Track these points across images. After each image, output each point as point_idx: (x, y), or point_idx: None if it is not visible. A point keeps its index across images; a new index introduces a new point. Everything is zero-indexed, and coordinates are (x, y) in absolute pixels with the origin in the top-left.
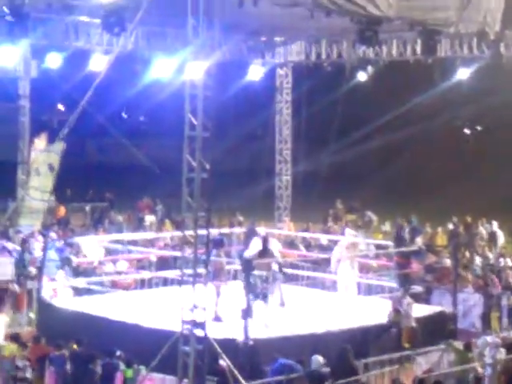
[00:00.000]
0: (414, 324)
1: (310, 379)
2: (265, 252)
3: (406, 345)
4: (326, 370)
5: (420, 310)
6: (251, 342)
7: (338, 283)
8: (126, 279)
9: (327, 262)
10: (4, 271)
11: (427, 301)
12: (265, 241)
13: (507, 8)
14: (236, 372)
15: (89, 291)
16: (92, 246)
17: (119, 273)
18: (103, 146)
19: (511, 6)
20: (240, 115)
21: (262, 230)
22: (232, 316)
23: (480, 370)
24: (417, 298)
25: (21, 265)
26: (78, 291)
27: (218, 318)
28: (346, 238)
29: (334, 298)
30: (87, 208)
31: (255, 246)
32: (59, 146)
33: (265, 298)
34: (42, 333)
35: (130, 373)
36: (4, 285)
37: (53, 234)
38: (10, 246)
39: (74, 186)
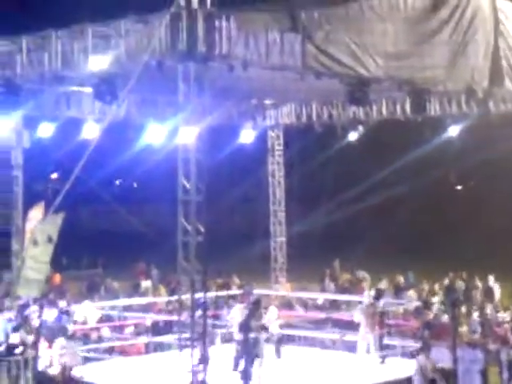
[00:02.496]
0: None
1: None
2: (252, 315)
3: None
4: None
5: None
6: None
7: (359, 344)
8: (126, 345)
9: (324, 321)
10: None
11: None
12: (254, 304)
13: (494, 65)
14: None
15: (87, 359)
16: (88, 311)
17: (108, 339)
18: (96, 213)
19: (498, 64)
20: (233, 178)
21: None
22: (230, 379)
23: None
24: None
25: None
26: None
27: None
28: (365, 299)
29: (334, 357)
30: (83, 275)
31: (237, 311)
32: (58, 218)
33: (260, 359)
34: None
35: None
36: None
37: (62, 303)
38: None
39: (69, 253)
